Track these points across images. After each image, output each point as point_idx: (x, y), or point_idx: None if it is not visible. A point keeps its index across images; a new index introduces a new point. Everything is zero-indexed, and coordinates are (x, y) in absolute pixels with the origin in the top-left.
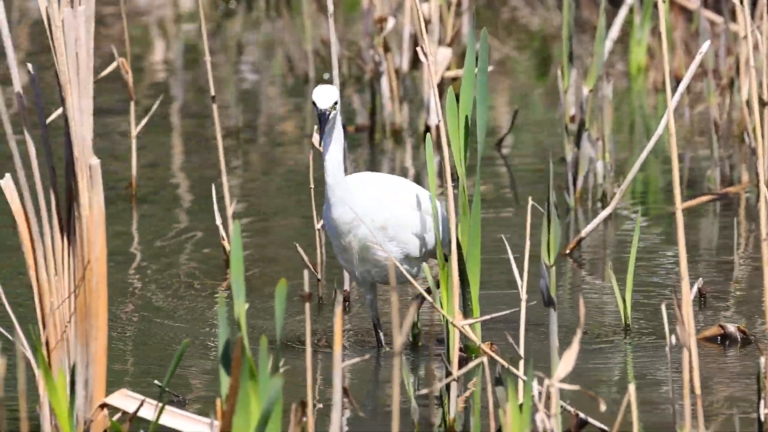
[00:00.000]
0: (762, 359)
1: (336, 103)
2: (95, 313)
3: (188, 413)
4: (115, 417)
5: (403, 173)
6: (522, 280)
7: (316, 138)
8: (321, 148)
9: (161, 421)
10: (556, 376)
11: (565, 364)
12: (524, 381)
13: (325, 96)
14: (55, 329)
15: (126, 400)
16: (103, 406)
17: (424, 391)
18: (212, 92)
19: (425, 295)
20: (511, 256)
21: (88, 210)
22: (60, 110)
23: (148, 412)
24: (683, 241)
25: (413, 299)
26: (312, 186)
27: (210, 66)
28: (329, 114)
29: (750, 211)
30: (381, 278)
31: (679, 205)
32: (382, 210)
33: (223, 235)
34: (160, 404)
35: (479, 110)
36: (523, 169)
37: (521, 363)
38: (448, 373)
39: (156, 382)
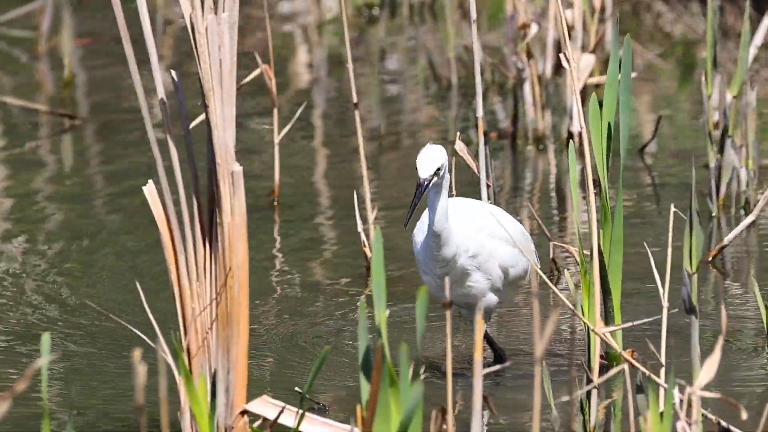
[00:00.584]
0: None
1: (439, 169)
2: (237, 319)
3: (328, 420)
4: (256, 424)
5: (545, 180)
6: (663, 288)
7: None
8: (405, 226)
9: (301, 428)
10: (697, 384)
11: (706, 371)
12: (665, 389)
13: (428, 162)
14: (197, 335)
15: (267, 406)
16: (243, 412)
17: (564, 399)
18: (354, 99)
19: (569, 305)
20: (653, 264)
21: (230, 217)
22: (202, 117)
23: (288, 419)
24: None
25: (554, 307)
26: (454, 193)
27: (352, 73)
28: (428, 183)
29: None
30: (468, 308)
31: None
32: (473, 241)
33: (365, 241)
34: (301, 411)
35: (622, 117)
36: (666, 176)
37: (662, 370)
38: (589, 381)
39: (297, 389)
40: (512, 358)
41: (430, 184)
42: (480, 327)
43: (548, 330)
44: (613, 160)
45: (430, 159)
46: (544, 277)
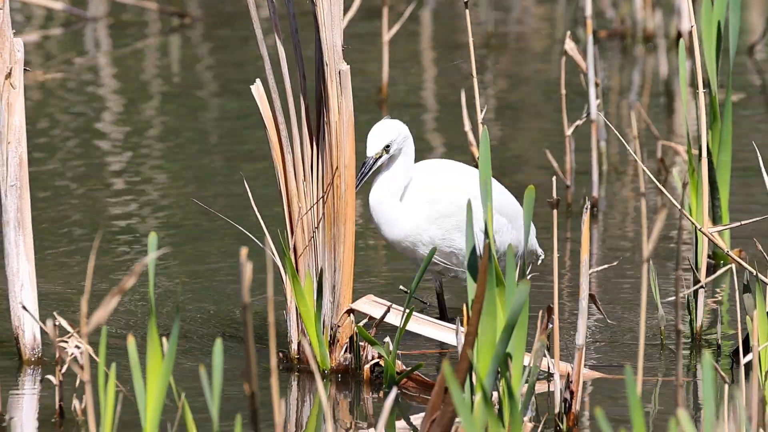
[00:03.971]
0: None
1: (388, 146)
2: (343, 218)
3: (434, 319)
4: (362, 322)
5: (654, 79)
6: None
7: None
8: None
9: (407, 328)
10: None
11: None
12: None
13: (377, 138)
14: (303, 234)
15: (372, 306)
16: (349, 311)
17: (671, 298)
18: None
19: (676, 204)
20: (761, 163)
21: (337, 116)
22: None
23: (394, 318)
24: None
25: (662, 207)
26: (564, 92)
27: None
28: (373, 162)
29: None
30: (453, 272)
31: None
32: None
33: (472, 140)
34: (407, 311)
35: (732, 16)
36: None
37: None
38: (696, 280)
39: (401, 287)
40: (620, 256)
41: (379, 162)
42: (587, 222)
43: (656, 229)
44: (722, 58)
45: (379, 135)
46: (652, 176)
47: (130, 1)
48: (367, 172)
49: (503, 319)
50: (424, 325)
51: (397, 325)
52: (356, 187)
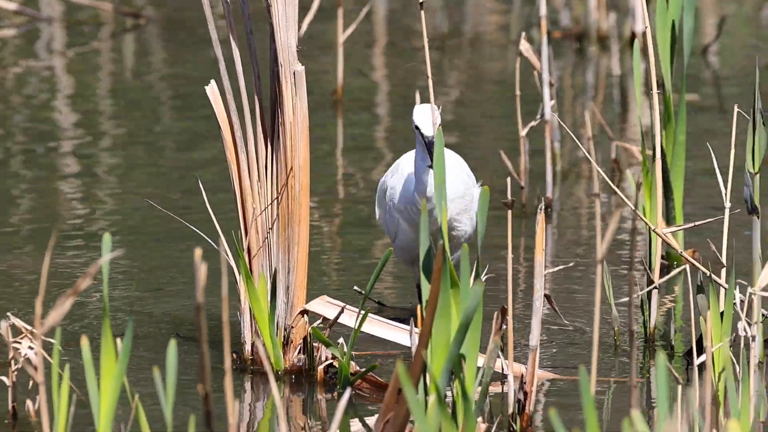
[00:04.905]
0: None
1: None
2: (297, 219)
3: (388, 320)
4: (316, 323)
5: (608, 80)
6: (725, 188)
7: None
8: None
9: (361, 329)
10: (758, 285)
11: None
12: (726, 289)
13: (431, 120)
14: (257, 235)
15: (326, 306)
16: (303, 312)
17: (624, 299)
18: None
19: (630, 205)
20: (715, 164)
21: (292, 116)
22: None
23: (348, 319)
24: None
25: (616, 208)
26: (518, 93)
27: None
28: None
29: None
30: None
31: None
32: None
33: None
34: (362, 312)
35: (687, 16)
36: (729, 76)
37: (723, 271)
38: (650, 281)
39: (356, 288)
40: (574, 257)
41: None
42: (542, 223)
43: (610, 230)
44: (675, 59)
45: (432, 116)
46: (606, 177)
47: (84, 1)
48: (433, 149)
49: (457, 319)
50: (377, 326)
51: (352, 326)
52: (429, 165)
